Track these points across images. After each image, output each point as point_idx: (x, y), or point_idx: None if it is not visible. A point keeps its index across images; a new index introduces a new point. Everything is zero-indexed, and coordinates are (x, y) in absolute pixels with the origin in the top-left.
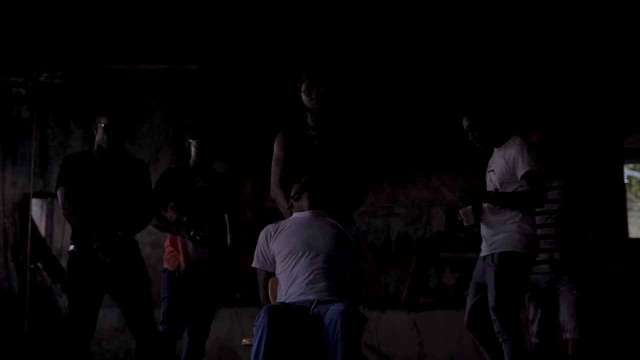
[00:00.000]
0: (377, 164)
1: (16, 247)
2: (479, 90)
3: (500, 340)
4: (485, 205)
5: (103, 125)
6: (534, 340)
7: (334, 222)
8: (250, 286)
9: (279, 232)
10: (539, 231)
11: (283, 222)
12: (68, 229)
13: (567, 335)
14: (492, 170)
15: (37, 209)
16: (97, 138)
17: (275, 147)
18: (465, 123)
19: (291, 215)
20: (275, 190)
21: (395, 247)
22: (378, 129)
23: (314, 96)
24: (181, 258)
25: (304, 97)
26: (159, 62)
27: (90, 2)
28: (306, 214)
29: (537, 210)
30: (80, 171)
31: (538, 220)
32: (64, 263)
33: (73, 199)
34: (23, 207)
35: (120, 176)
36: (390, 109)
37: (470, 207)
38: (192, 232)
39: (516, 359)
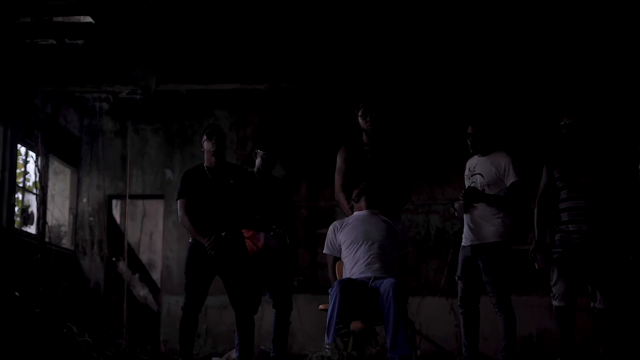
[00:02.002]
0: (416, 172)
1: (101, 243)
2: (487, 105)
3: (497, 311)
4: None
5: (207, 142)
6: (555, 303)
7: (385, 218)
8: (306, 275)
9: (344, 226)
10: (569, 204)
11: (346, 218)
12: (144, 226)
13: (597, 305)
14: (479, 174)
15: (116, 208)
16: (205, 154)
17: (338, 160)
18: (470, 130)
19: (352, 213)
20: (338, 194)
21: (434, 240)
22: (419, 138)
23: (368, 120)
24: (252, 248)
25: (360, 120)
26: (230, 82)
27: (166, 31)
28: (364, 212)
29: (567, 184)
30: (195, 185)
31: (568, 193)
32: (140, 256)
33: (189, 209)
34: (107, 207)
35: (225, 186)
36: (429, 123)
37: (462, 202)
38: (274, 226)
39: (509, 325)
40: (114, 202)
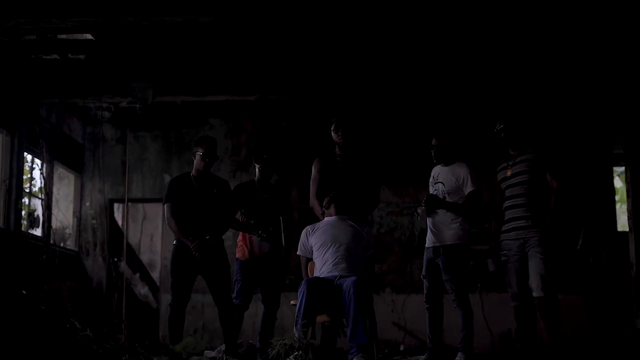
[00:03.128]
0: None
1: (103, 244)
2: (452, 119)
3: (455, 306)
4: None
5: (200, 154)
6: (514, 304)
7: (352, 223)
8: (297, 275)
9: (315, 230)
10: (509, 202)
11: (317, 223)
12: (144, 228)
13: (534, 294)
14: (441, 182)
15: (121, 211)
16: (195, 163)
17: (313, 170)
18: (434, 142)
19: (323, 218)
20: (313, 201)
21: (418, 241)
22: (405, 144)
23: (339, 134)
24: (246, 250)
25: (333, 134)
26: (222, 93)
27: (161, 47)
28: (333, 218)
29: (508, 183)
30: (181, 190)
31: (508, 192)
32: (140, 256)
33: (175, 213)
34: (108, 210)
35: (209, 194)
36: (415, 131)
37: (425, 208)
38: (260, 231)
39: (466, 319)
40: (115, 205)
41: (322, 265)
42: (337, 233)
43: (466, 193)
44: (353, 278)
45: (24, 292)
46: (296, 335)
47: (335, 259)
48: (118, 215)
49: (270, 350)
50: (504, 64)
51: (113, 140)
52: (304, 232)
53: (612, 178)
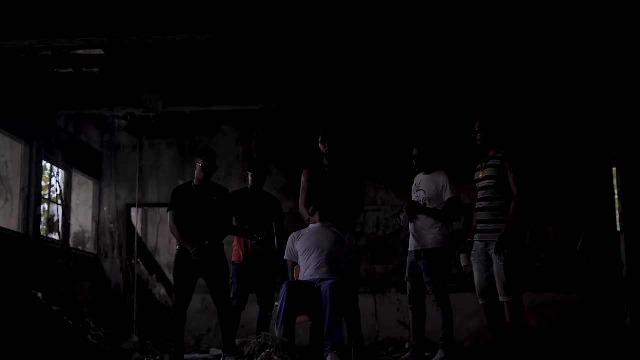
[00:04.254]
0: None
1: (121, 247)
2: (432, 129)
3: (436, 306)
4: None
5: (200, 165)
6: (481, 302)
7: (335, 230)
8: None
9: (300, 236)
10: (478, 204)
11: (303, 230)
12: (161, 231)
13: (500, 298)
14: (422, 190)
15: (134, 216)
16: (196, 173)
17: (302, 179)
18: (415, 152)
19: (309, 225)
20: (302, 209)
21: None
22: (405, 150)
23: (326, 145)
24: (241, 253)
25: (320, 145)
26: (228, 104)
27: (169, 59)
28: (318, 224)
29: (479, 185)
30: (183, 199)
31: (479, 194)
32: (157, 259)
33: (178, 220)
34: (125, 214)
35: (209, 202)
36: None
37: (406, 214)
38: (255, 235)
39: (446, 317)
40: (132, 210)
41: (306, 269)
42: (320, 239)
43: (445, 200)
44: (330, 281)
45: (39, 294)
46: (277, 334)
47: (317, 263)
48: (136, 220)
49: (246, 348)
50: (490, 67)
51: (129, 147)
52: (290, 237)
53: (612, 179)
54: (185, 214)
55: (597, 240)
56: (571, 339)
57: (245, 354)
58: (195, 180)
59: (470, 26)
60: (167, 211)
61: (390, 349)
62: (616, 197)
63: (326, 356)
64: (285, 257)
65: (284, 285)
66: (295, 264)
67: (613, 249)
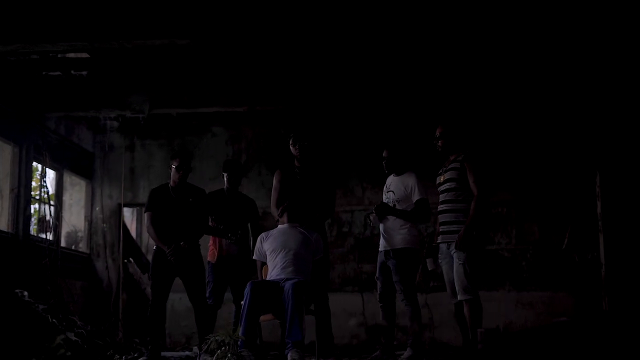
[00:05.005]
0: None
1: (113, 246)
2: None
3: (404, 305)
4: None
5: (175, 166)
6: (452, 301)
7: (302, 230)
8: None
9: (268, 236)
10: (440, 207)
11: (271, 230)
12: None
13: (459, 297)
14: (392, 191)
15: (129, 215)
16: (171, 175)
17: (274, 180)
18: (384, 154)
19: (277, 226)
20: (273, 209)
21: None
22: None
23: (297, 148)
24: (216, 252)
25: (291, 147)
26: (214, 105)
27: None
28: (285, 225)
29: (440, 189)
30: (160, 200)
31: (440, 197)
32: (150, 258)
33: (155, 221)
34: (117, 214)
35: (185, 203)
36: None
37: (376, 215)
38: (229, 234)
39: (415, 317)
40: (128, 210)
41: (273, 268)
42: (287, 239)
43: (414, 201)
44: (293, 281)
45: (24, 292)
46: (240, 333)
47: (284, 263)
48: (129, 220)
49: (204, 345)
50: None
51: (121, 148)
52: (259, 238)
53: (595, 180)
54: (162, 215)
55: (582, 240)
56: (557, 338)
57: (201, 351)
58: (171, 182)
59: (448, 30)
60: (144, 212)
61: (377, 347)
62: None
63: (287, 354)
64: (254, 257)
65: (247, 285)
66: (264, 263)
67: (598, 248)
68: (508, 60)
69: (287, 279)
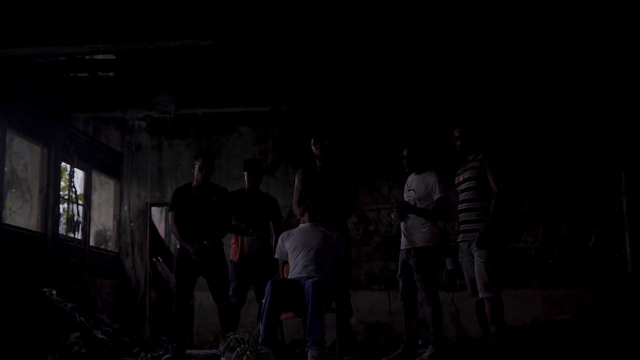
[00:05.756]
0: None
1: (141, 245)
2: (423, 131)
3: (425, 303)
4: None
5: (198, 165)
6: (472, 300)
7: (323, 229)
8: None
9: (290, 235)
10: (460, 206)
11: (293, 229)
12: None
13: (480, 295)
14: (413, 190)
15: (157, 215)
16: (195, 174)
17: (296, 180)
18: (405, 153)
19: (299, 225)
20: (295, 209)
21: None
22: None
23: (318, 147)
24: (238, 251)
25: (312, 147)
26: (239, 105)
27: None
28: (307, 224)
29: (460, 188)
30: (183, 200)
31: (460, 197)
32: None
33: (178, 220)
34: (145, 213)
35: (208, 203)
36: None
37: (397, 213)
38: (251, 231)
39: (436, 315)
40: (156, 209)
41: (294, 267)
42: (309, 238)
43: (435, 199)
44: (313, 279)
45: (53, 291)
46: (260, 330)
47: (305, 261)
48: (155, 218)
49: (223, 342)
50: (497, 68)
51: (149, 147)
52: (280, 237)
53: (621, 178)
54: (185, 214)
55: (609, 238)
56: (584, 336)
57: (222, 349)
58: (194, 181)
59: (466, 29)
60: (168, 212)
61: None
62: None
63: (307, 351)
64: (275, 256)
65: (268, 283)
66: (285, 262)
67: (623, 246)
68: (534, 58)
69: (308, 278)
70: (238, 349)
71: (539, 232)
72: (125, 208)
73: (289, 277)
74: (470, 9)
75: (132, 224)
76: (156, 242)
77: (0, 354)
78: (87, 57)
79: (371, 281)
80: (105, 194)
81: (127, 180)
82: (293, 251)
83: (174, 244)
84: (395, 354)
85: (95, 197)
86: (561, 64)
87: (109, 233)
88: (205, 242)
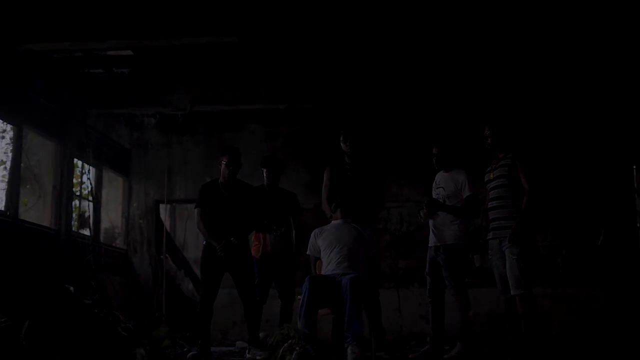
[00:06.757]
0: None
1: (149, 242)
2: (452, 129)
3: (454, 300)
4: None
5: (225, 162)
6: (502, 297)
7: (356, 226)
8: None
9: (322, 232)
10: (491, 204)
11: (325, 226)
12: (189, 227)
13: (512, 292)
14: (442, 187)
15: (162, 212)
16: (221, 171)
17: (325, 177)
18: (435, 151)
19: (331, 221)
20: (324, 206)
21: None
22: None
23: (347, 144)
24: (260, 248)
25: (342, 144)
26: (254, 103)
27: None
28: (339, 221)
29: (490, 186)
30: (210, 196)
31: (491, 194)
32: (185, 254)
33: (204, 217)
34: (154, 210)
35: (235, 200)
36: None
37: (426, 211)
38: (274, 227)
39: (464, 310)
40: (160, 206)
41: (328, 264)
42: (342, 235)
43: (464, 197)
44: (350, 276)
45: (71, 288)
46: (299, 327)
47: (338, 258)
48: (163, 216)
49: (269, 339)
50: (504, 67)
51: (158, 145)
52: (312, 233)
53: (632, 176)
54: (212, 211)
55: (618, 237)
56: (593, 334)
57: (268, 345)
58: (221, 178)
59: (489, 28)
60: (195, 208)
61: (412, 343)
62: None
63: (346, 347)
64: (308, 252)
65: (306, 280)
66: (318, 258)
67: (633, 246)
68: (540, 57)
69: (343, 274)
70: (285, 345)
71: (548, 231)
72: (134, 205)
73: (322, 274)
74: (492, 8)
75: (140, 221)
76: (164, 240)
77: (33, 349)
78: (102, 53)
79: (381, 279)
80: (113, 191)
81: (135, 177)
82: (326, 248)
83: (180, 241)
84: (423, 350)
85: (103, 194)
86: (569, 61)
87: (117, 230)
88: (232, 238)
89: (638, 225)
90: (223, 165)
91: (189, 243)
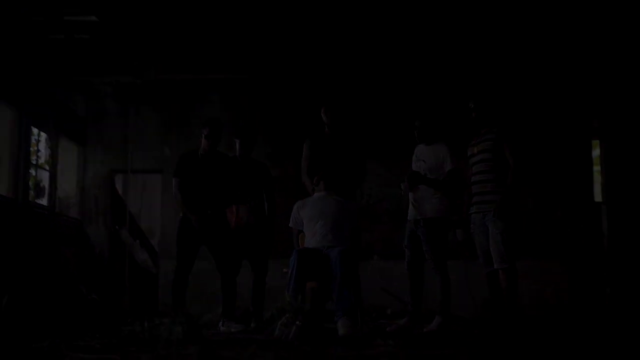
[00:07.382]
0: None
1: (105, 213)
2: (434, 100)
3: (435, 273)
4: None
5: (205, 134)
6: (485, 270)
7: (339, 198)
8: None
9: (305, 205)
10: (474, 178)
11: (308, 198)
12: (144, 197)
13: (495, 265)
14: (423, 160)
15: (118, 182)
16: (202, 142)
17: (304, 149)
18: (417, 123)
19: (313, 194)
20: (304, 178)
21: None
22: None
23: (329, 116)
24: (233, 221)
25: (323, 116)
26: (218, 72)
27: (162, 29)
28: (322, 193)
29: (473, 160)
30: (188, 167)
31: (474, 169)
32: (141, 224)
33: (182, 187)
34: (109, 180)
35: (213, 171)
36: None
37: (407, 184)
38: (249, 199)
39: (444, 285)
40: (118, 176)
41: (312, 237)
42: (325, 207)
43: (446, 170)
44: (340, 248)
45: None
46: (287, 299)
47: (323, 230)
48: (119, 186)
49: (266, 313)
50: (480, 42)
51: (114, 114)
52: (295, 206)
53: (590, 151)
54: (189, 182)
55: (575, 211)
56: (551, 306)
57: (264, 319)
58: (201, 150)
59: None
60: (172, 177)
61: (373, 315)
62: (595, 168)
63: (337, 321)
64: (290, 225)
65: (294, 253)
66: (300, 231)
67: (591, 219)
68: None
69: (329, 247)
70: (284, 318)
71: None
72: (90, 175)
73: (306, 247)
74: None
75: (96, 191)
76: (120, 210)
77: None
78: (65, 18)
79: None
80: (68, 160)
81: (91, 146)
82: (310, 220)
83: (134, 211)
84: (401, 323)
85: (58, 163)
86: (531, 28)
87: (71, 200)
88: (208, 211)
89: (599, 200)
90: (203, 137)
91: (143, 214)
